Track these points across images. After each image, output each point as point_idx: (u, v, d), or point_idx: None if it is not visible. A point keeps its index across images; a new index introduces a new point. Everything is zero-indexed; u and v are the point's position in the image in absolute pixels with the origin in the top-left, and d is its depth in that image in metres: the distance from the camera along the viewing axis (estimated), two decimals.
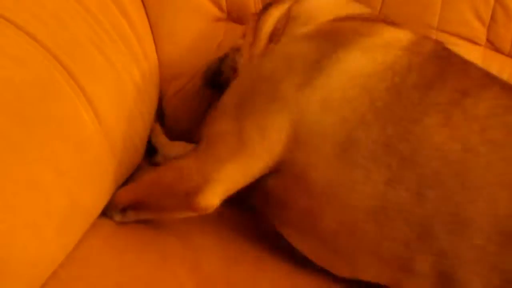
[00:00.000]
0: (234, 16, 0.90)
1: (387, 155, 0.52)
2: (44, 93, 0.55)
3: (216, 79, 0.74)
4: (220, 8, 0.89)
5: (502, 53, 0.91)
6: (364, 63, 0.57)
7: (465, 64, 0.64)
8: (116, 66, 0.69)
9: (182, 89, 0.81)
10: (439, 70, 0.58)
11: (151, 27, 0.85)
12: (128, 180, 0.69)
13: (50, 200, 0.52)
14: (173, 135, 0.81)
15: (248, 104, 0.57)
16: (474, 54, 0.89)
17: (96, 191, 0.60)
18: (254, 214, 0.65)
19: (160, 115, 0.83)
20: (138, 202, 0.61)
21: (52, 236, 0.52)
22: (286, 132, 0.55)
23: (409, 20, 0.88)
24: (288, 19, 0.70)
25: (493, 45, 0.90)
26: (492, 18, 0.87)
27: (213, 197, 0.55)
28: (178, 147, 0.78)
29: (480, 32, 0.88)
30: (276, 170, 0.56)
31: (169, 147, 0.79)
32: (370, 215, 0.52)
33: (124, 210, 0.62)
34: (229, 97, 0.62)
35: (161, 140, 0.80)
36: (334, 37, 0.61)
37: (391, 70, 0.57)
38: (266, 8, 0.76)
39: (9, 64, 0.53)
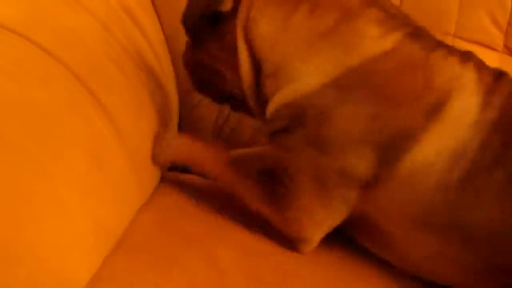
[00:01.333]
0: None
1: None
2: (66, 113, 0.54)
3: None
4: None
5: None
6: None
7: None
8: (134, 82, 0.68)
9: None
10: None
11: (166, 41, 0.85)
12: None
13: (75, 221, 0.51)
14: None
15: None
16: (491, 60, 0.88)
17: (120, 210, 0.59)
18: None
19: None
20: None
21: (78, 258, 0.51)
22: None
23: (426, 27, 0.88)
24: None
25: (510, 50, 0.89)
26: (510, 23, 0.87)
27: (313, 245, 0.60)
28: None
29: (498, 38, 0.88)
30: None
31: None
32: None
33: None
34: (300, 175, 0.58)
35: None
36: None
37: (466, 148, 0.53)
38: None
39: (32, 84, 0.52)
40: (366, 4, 0.59)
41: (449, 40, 0.87)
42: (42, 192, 0.47)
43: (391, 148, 0.53)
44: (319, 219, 0.59)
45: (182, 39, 0.85)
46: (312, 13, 0.57)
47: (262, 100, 0.60)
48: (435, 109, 0.53)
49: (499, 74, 0.58)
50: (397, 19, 0.60)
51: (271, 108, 0.59)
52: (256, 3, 0.59)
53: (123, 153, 0.60)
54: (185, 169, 0.73)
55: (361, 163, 0.54)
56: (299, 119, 0.56)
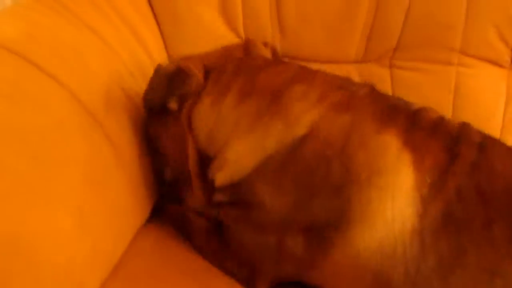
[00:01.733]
0: None
1: None
2: (66, 136, 0.53)
3: None
4: (237, 34, 0.88)
5: None
6: None
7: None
8: (135, 103, 0.67)
9: None
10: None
11: (168, 58, 0.84)
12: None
13: (73, 246, 0.50)
14: None
15: None
16: (498, 77, 0.87)
17: (117, 234, 0.58)
18: None
19: None
20: None
21: (75, 283, 0.50)
22: None
23: (431, 43, 0.87)
24: None
25: None
26: None
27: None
28: None
29: (505, 54, 0.86)
30: None
31: None
32: None
33: None
34: None
35: None
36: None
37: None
38: None
39: (30, 106, 0.51)
40: (290, 81, 0.58)
41: (454, 56, 0.86)
42: (39, 217, 0.46)
43: (318, 236, 0.52)
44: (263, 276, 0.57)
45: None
46: (238, 101, 0.58)
47: (206, 181, 0.61)
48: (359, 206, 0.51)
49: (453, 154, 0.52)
50: (321, 87, 0.58)
51: (216, 185, 0.59)
52: (196, 99, 0.61)
53: (122, 175, 0.59)
54: None
55: (296, 245, 0.53)
56: (236, 199, 0.57)
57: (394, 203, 0.49)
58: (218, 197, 0.59)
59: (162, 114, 0.62)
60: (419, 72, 0.87)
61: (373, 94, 0.59)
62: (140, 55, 0.76)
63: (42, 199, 0.47)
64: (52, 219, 0.48)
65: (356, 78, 0.88)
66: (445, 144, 0.52)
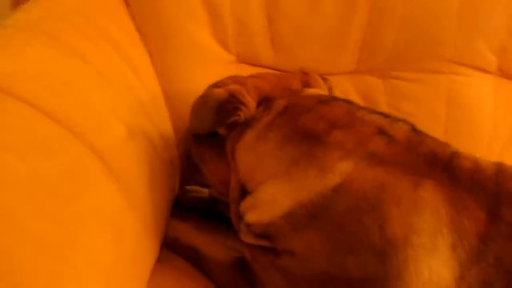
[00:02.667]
0: (242, 57, 0.86)
1: None
2: (74, 183, 0.49)
3: None
4: (228, 50, 0.85)
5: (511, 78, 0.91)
6: None
7: None
8: (137, 133, 0.63)
9: None
10: None
11: (158, 77, 0.80)
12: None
13: None
14: None
15: None
16: (485, 81, 0.89)
17: (134, 279, 0.54)
18: None
19: None
20: None
21: None
22: None
23: (422, 53, 0.88)
24: None
25: (503, 72, 0.90)
26: (502, 48, 0.88)
27: None
28: None
29: (492, 61, 0.88)
30: None
31: None
32: None
33: None
34: None
35: None
36: None
37: None
38: None
39: (36, 156, 0.46)
40: (331, 126, 0.56)
41: (444, 65, 0.87)
42: (66, 281, 0.42)
43: None
44: None
45: (176, 77, 0.82)
46: (280, 143, 0.56)
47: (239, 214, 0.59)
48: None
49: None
50: (359, 133, 0.56)
51: (246, 222, 0.57)
52: (244, 129, 0.60)
53: (135, 218, 0.55)
54: None
55: None
56: (265, 240, 0.55)
57: (431, 264, 0.47)
58: (247, 235, 0.57)
59: (208, 137, 0.62)
60: (412, 82, 0.88)
61: (412, 137, 0.56)
62: (133, 82, 0.72)
63: (65, 262, 0.43)
64: (78, 282, 0.44)
65: (350, 89, 0.88)
66: (484, 202, 0.50)
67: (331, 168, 0.52)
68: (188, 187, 0.80)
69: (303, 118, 0.57)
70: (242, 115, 0.58)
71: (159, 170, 0.66)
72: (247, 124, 0.59)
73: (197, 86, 0.82)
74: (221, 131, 0.61)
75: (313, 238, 0.51)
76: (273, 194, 0.54)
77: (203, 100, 0.61)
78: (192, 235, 0.67)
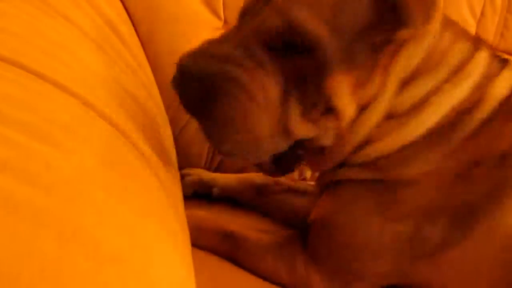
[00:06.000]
0: (231, 24, 0.77)
1: None
2: (122, 177, 0.37)
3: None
4: (218, 16, 0.75)
5: None
6: None
7: None
8: (150, 114, 0.52)
9: None
10: None
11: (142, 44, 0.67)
12: None
13: None
14: None
15: None
16: None
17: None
18: None
19: None
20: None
21: None
22: None
23: None
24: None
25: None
26: (483, 13, 0.89)
27: None
28: (233, 179, 0.71)
29: (471, 26, 0.89)
30: None
31: (225, 179, 0.71)
32: None
33: None
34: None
35: (214, 175, 0.72)
36: None
37: None
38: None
39: (69, 144, 0.34)
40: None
41: None
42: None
43: (469, 212, 0.48)
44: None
45: (164, 44, 0.70)
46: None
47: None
48: None
49: None
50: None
51: (365, 152, 0.51)
52: None
53: (177, 217, 0.45)
54: None
55: (435, 230, 0.49)
56: (376, 177, 0.50)
57: None
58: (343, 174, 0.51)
59: None
60: None
61: None
62: (126, 56, 0.59)
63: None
64: None
65: None
66: None
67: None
68: (186, 171, 0.70)
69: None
70: None
71: (172, 149, 0.56)
72: None
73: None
74: None
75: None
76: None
77: None
78: (220, 220, 0.58)
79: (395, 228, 0.49)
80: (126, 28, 0.65)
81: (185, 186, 0.65)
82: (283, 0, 0.45)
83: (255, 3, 0.48)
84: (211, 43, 0.48)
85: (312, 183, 0.69)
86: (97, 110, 0.39)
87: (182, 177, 0.67)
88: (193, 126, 0.72)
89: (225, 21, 0.77)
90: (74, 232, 0.26)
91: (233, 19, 0.77)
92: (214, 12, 0.74)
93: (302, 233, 0.56)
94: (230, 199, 0.70)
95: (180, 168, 0.72)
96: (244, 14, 0.50)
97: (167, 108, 0.68)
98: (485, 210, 0.48)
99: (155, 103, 0.59)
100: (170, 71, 0.71)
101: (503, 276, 0.48)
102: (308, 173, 0.80)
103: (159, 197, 0.42)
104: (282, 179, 0.71)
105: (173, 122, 0.70)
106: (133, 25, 0.67)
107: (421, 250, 0.49)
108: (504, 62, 0.53)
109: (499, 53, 0.55)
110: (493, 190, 0.48)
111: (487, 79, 0.50)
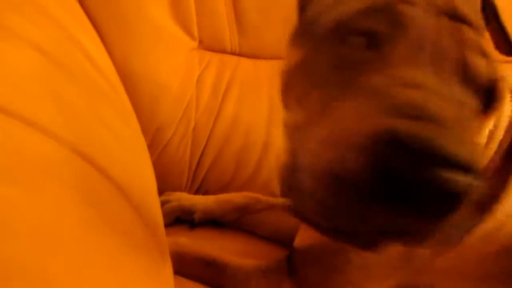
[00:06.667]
0: (205, 44, 0.76)
1: None
2: (98, 214, 0.36)
3: None
4: (191, 35, 0.74)
5: None
6: None
7: None
8: (123, 139, 0.50)
9: None
10: None
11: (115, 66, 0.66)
12: None
13: None
14: None
15: None
16: None
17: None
18: None
19: None
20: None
21: None
22: None
23: None
24: None
25: None
26: None
27: None
28: (214, 201, 0.69)
29: None
30: None
31: (205, 203, 0.69)
32: None
33: None
34: None
35: (194, 200, 0.69)
36: None
37: None
38: None
39: (45, 186, 0.33)
40: None
41: None
42: None
43: None
44: None
45: (141, 67, 0.68)
46: None
47: None
48: None
49: None
50: None
51: None
52: None
53: (152, 239, 0.44)
54: None
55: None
56: None
57: None
58: None
59: None
60: None
61: None
62: (93, 74, 0.58)
63: None
64: None
65: None
66: None
67: None
68: (165, 197, 0.69)
69: None
70: None
71: (150, 176, 0.54)
72: None
73: (158, 77, 0.71)
74: None
75: None
76: None
77: None
78: (202, 246, 0.56)
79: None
80: (99, 52, 0.63)
81: (165, 214, 0.64)
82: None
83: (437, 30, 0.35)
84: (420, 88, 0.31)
85: None
86: (68, 145, 0.38)
87: (162, 204, 0.66)
88: (172, 147, 0.71)
89: (200, 41, 0.76)
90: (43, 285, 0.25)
91: (208, 39, 0.78)
92: (188, 33, 0.74)
93: (288, 257, 0.54)
94: (214, 221, 0.69)
95: (161, 191, 0.71)
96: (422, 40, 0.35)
97: (145, 131, 0.66)
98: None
99: (131, 130, 0.58)
100: (146, 93, 0.72)
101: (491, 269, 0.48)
102: None
103: (135, 230, 0.40)
104: (263, 197, 0.71)
105: (151, 145, 0.69)
106: (106, 49, 0.65)
107: (419, 262, 0.48)
108: None
109: None
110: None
111: None
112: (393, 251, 0.47)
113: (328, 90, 0.34)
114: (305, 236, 0.53)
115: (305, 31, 0.41)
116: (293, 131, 0.37)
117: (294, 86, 0.40)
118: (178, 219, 0.67)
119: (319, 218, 0.32)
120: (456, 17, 0.36)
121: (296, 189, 0.32)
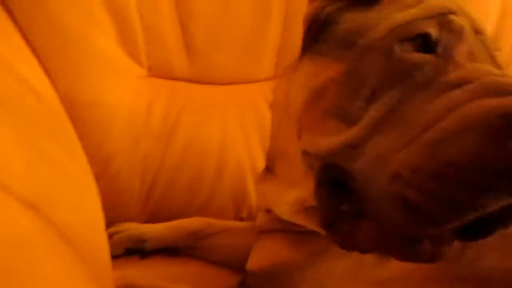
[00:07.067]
0: (155, 72, 0.76)
1: None
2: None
3: None
4: (139, 62, 0.74)
5: None
6: None
7: None
8: (66, 176, 0.50)
9: None
10: None
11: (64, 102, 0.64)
12: None
13: None
14: None
15: None
16: None
17: None
18: None
19: None
20: None
21: None
22: None
23: None
24: None
25: None
26: None
27: None
28: (165, 228, 0.69)
29: None
30: None
31: (156, 231, 0.69)
32: None
33: None
34: None
35: (144, 229, 0.68)
36: None
37: None
38: None
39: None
40: None
41: None
42: None
43: None
44: None
45: (90, 97, 0.67)
46: None
47: None
48: None
49: None
50: None
51: None
52: None
53: (93, 282, 0.43)
54: None
55: None
56: None
57: None
58: None
59: None
60: None
61: None
62: (38, 108, 0.56)
63: None
64: None
65: (270, 97, 0.84)
66: None
67: None
68: (114, 228, 0.67)
69: None
70: None
71: (96, 210, 0.53)
72: None
73: (106, 106, 0.70)
74: None
75: None
76: None
77: None
78: (152, 278, 0.55)
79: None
80: (39, 81, 0.62)
81: (114, 245, 0.63)
82: None
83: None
84: None
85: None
86: (4, 188, 0.37)
87: (110, 236, 0.65)
88: (122, 176, 0.70)
89: (149, 69, 0.76)
90: None
91: (157, 66, 0.78)
92: (136, 60, 0.73)
93: (241, 283, 0.54)
94: (165, 249, 0.68)
95: (113, 222, 0.70)
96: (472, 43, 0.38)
97: (94, 160, 0.65)
98: None
99: (76, 163, 0.57)
100: (94, 122, 0.70)
101: None
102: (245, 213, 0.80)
103: (74, 274, 0.40)
104: (215, 220, 0.71)
105: (100, 174, 0.68)
106: (52, 78, 0.64)
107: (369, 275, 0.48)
108: None
109: None
110: None
111: None
112: (347, 264, 0.45)
113: (390, 95, 0.35)
114: (257, 258, 0.52)
115: (344, 44, 0.40)
116: (349, 149, 0.35)
117: (334, 101, 0.38)
118: (129, 250, 0.67)
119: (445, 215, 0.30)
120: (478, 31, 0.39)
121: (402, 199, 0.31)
